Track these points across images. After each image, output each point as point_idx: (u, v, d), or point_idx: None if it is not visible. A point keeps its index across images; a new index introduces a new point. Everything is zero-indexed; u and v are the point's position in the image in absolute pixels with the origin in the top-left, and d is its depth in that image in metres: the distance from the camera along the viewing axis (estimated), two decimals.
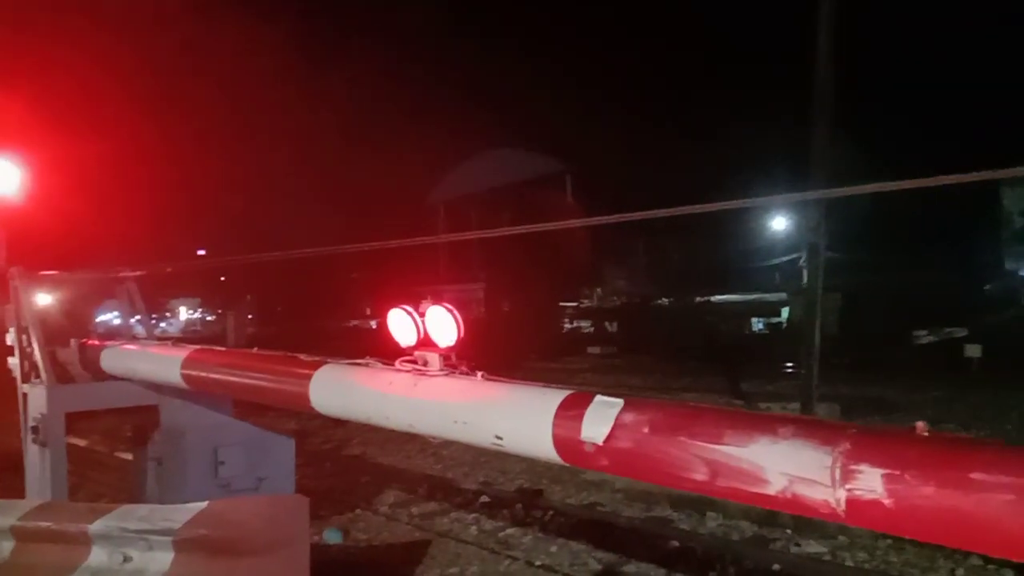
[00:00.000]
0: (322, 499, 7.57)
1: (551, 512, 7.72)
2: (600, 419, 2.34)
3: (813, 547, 6.64)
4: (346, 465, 10.40)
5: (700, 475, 2.14)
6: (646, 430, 2.25)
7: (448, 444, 10.75)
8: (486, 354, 3.39)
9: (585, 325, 37.33)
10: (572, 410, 2.47)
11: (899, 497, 1.84)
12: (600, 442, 2.32)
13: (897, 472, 1.84)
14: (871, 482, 1.87)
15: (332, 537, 6.91)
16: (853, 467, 1.90)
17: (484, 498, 8.31)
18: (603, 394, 2.43)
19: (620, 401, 2.36)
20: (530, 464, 9.52)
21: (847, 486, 1.90)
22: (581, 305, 39.60)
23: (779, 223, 33.42)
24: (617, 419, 2.31)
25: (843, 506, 1.92)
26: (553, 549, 6.67)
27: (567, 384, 2.79)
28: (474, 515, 7.75)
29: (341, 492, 8.66)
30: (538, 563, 6.34)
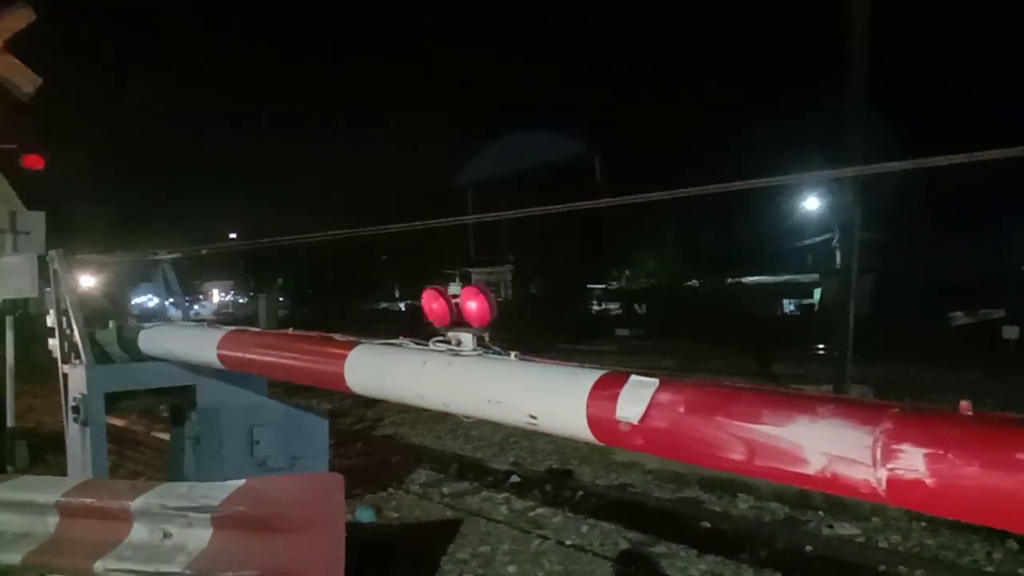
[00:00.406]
0: (355, 478, 7.66)
1: (581, 492, 7.75)
2: (635, 399, 2.33)
3: (846, 529, 6.59)
4: (378, 445, 10.52)
5: (737, 455, 2.12)
6: (682, 410, 2.24)
7: (478, 425, 10.83)
8: (514, 336, 3.40)
9: (614, 307, 37.18)
10: (607, 390, 2.46)
11: (942, 477, 1.81)
12: (636, 421, 2.31)
13: (940, 452, 1.81)
14: (913, 461, 1.84)
15: (365, 516, 7.00)
16: (895, 446, 1.87)
17: (514, 478, 8.36)
18: (638, 374, 2.42)
19: (655, 381, 2.35)
20: (559, 445, 9.56)
21: (888, 465, 1.87)
22: (610, 287, 39.46)
23: (811, 203, 32.98)
24: (653, 399, 2.31)
25: (884, 486, 1.89)
26: (583, 529, 6.70)
27: (597, 366, 2.79)
28: (504, 495, 7.80)
29: (373, 471, 8.76)
30: (568, 543, 6.37)
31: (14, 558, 3.84)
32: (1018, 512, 1.75)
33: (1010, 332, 18.99)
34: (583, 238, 31.62)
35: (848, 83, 10.89)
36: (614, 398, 2.41)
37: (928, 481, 1.82)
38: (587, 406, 2.49)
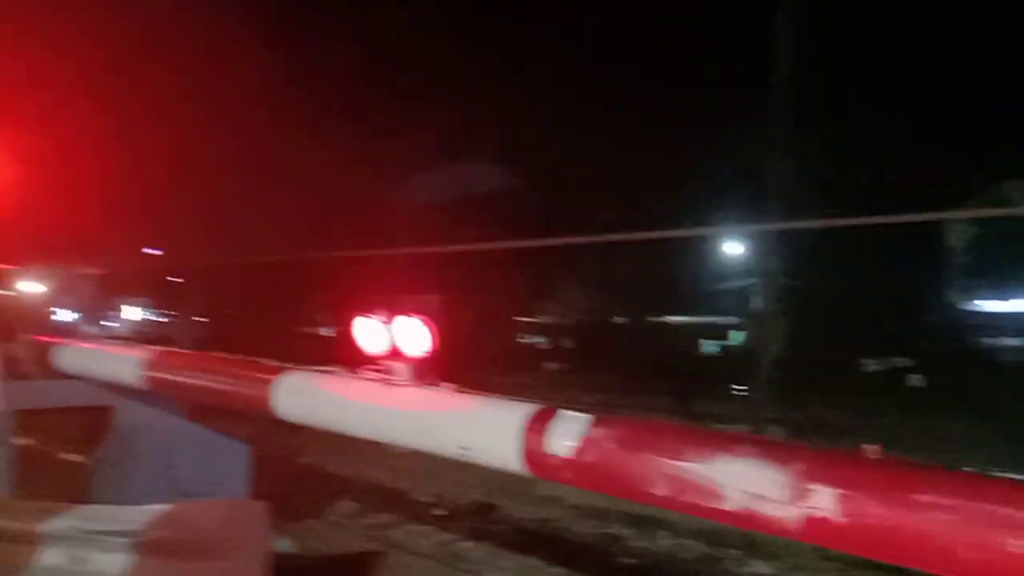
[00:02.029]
0: (274, 507, 7.47)
1: (504, 526, 7.77)
2: (568, 433, 2.41)
3: (761, 568, 6.78)
4: (299, 473, 10.29)
5: (663, 491, 2.22)
6: (613, 445, 2.33)
7: (402, 456, 10.71)
8: (440, 366, 3.44)
9: (541, 340, 37.47)
10: (541, 423, 2.53)
11: (850, 516, 1.94)
12: (568, 456, 2.39)
13: (849, 492, 1.95)
14: (824, 501, 1.97)
15: (284, 546, 6.84)
16: (807, 486, 2.00)
17: (438, 510, 8.32)
18: (570, 409, 2.50)
19: (589, 416, 2.44)
20: (484, 478, 9.54)
21: (801, 504, 2.00)
22: (537, 320, 39.76)
23: (733, 248, 34.05)
24: (585, 434, 2.39)
25: (796, 523, 2.01)
26: (506, 564, 6.71)
27: (522, 400, 2.86)
28: (427, 527, 7.74)
29: (294, 500, 8.56)
30: None
31: None
32: (918, 550, 1.89)
33: (916, 380, 19.96)
34: (512, 270, 31.86)
35: (771, 128, 11.42)
36: (548, 432, 2.48)
37: (837, 520, 1.95)
38: (522, 439, 2.55)
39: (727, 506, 2.10)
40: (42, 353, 5.82)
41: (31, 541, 3.53)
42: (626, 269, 32.33)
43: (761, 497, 2.06)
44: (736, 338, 32.39)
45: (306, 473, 10.35)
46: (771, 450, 2.13)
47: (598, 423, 2.42)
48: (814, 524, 1.98)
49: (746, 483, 2.08)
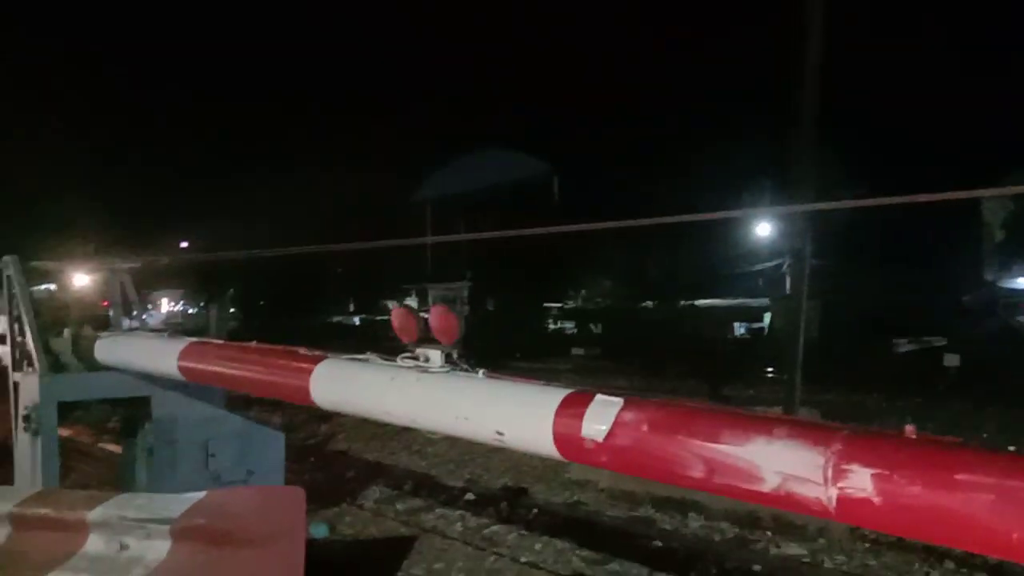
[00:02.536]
0: (309, 493, 7.53)
1: (535, 510, 7.81)
2: (600, 417, 2.43)
3: (793, 549, 6.76)
4: (332, 460, 10.43)
5: (697, 473, 2.23)
6: (645, 428, 2.34)
7: (433, 441, 10.82)
8: (470, 352, 3.47)
9: (569, 326, 37.45)
10: (573, 408, 2.55)
11: (887, 496, 1.93)
12: (600, 439, 2.40)
13: (886, 472, 1.94)
14: (861, 481, 1.96)
15: (319, 531, 6.95)
16: (844, 467, 2.00)
17: (469, 495, 8.39)
18: (603, 393, 2.52)
19: (620, 400, 2.45)
20: (514, 462, 9.61)
21: (838, 485, 1.99)
22: (565, 306, 39.74)
23: (763, 229, 33.70)
24: (617, 417, 2.40)
25: (834, 504, 2.01)
26: (537, 547, 6.76)
27: (552, 384, 2.88)
28: (459, 512, 7.81)
29: (327, 487, 8.69)
30: (523, 560, 6.42)
31: None
32: (957, 529, 1.88)
33: (951, 360, 19.66)
34: (540, 256, 31.82)
35: (799, 111, 11.26)
36: (580, 416, 2.49)
37: (875, 500, 1.95)
38: (554, 424, 2.57)
39: (763, 488, 2.10)
40: (83, 346, 5.95)
41: (77, 529, 3.64)
42: (655, 253, 32.16)
43: (797, 478, 2.06)
44: (769, 321, 32.13)
45: (339, 460, 10.49)
46: (807, 431, 2.13)
47: (630, 406, 2.43)
48: (851, 505, 1.98)
49: (782, 464, 2.08)
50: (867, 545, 6.59)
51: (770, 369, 19.83)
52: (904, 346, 25.04)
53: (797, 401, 11.05)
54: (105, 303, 6.69)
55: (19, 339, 5.96)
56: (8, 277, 6.07)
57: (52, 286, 6.50)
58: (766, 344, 27.29)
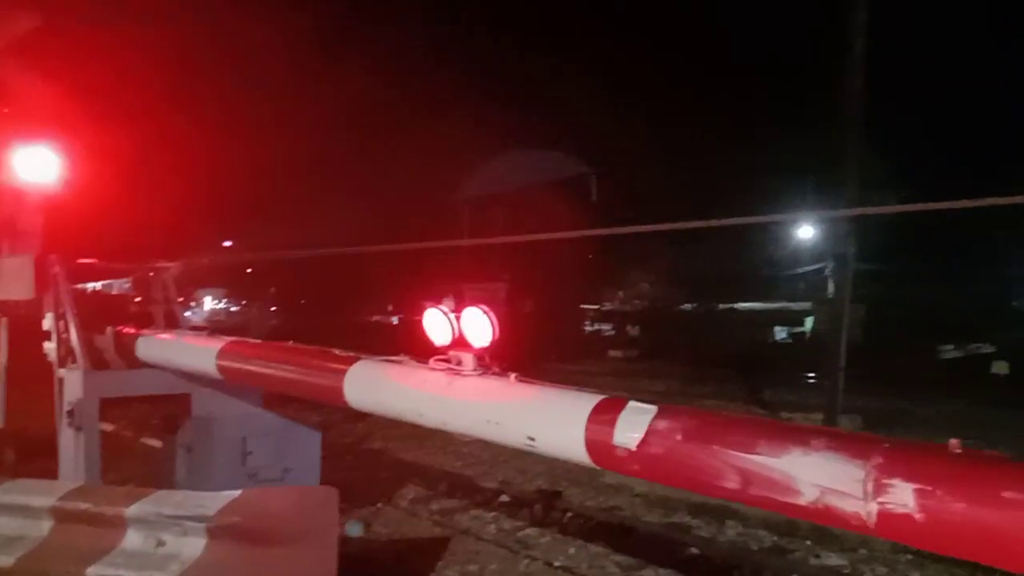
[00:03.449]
0: (343, 492, 7.54)
1: (570, 514, 7.75)
2: (633, 424, 2.39)
3: (833, 560, 6.62)
4: (367, 459, 10.50)
5: (732, 483, 2.17)
6: (679, 437, 2.30)
7: (468, 442, 10.82)
8: (506, 354, 3.45)
9: (606, 328, 37.23)
10: (605, 414, 2.51)
11: (930, 512, 1.87)
12: (633, 447, 2.36)
13: (929, 488, 1.87)
14: (903, 496, 1.90)
15: (354, 530, 6.99)
16: (885, 481, 1.93)
17: (503, 497, 8.36)
18: (636, 400, 2.48)
19: (654, 408, 2.40)
20: (549, 465, 9.56)
21: (879, 499, 1.93)
22: (603, 308, 39.54)
23: (805, 232, 33.20)
24: (650, 425, 2.36)
25: (874, 519, 1.95)
26: (572, 551, 6.71)
27: (587, 387, 2.84)
28: (493, 514, 7.80)
29: (362, 486, 8.74)
30: (557, 564, 6.38)
31: (7, 561, 3.85)
32: (1003, 549, 1.81)
33: (999, 367, 19.13)
34: (577, 258, 31.70)
35: (844, 109, 11.04)
36: (612, 423, 2.46)
37: (917, 516, 1.88)
38: (586, 430, 2.54)
39: (800, 500, 2.05)
40: (125, 344, 6.07)
41: (116, 524, 3.70)
42: (696, 256, 31.83)
43: (837, 492, 2.00)
44: (810, 325, 31.61)
45: (374, 459, 10.54)
46: (847, 443, 2.06)
47: (664, 414, 2.39)
48: (892, 520, 1.92)
49: (821, 477, 2.02)
50: (910, 557, 6.43)
51: (811, 374, 19.50)
52: (950, 352, 24.44)
53: (838, 407, 10.85)
54: (138, 300, 6.82)
55: (64, 335, 6.10)
56: (53, 275, 6.21)
57: (97, 284, 6.65)
58: (807, 349, 26.85)
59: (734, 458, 2.17)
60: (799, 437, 2.12)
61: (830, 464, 2.02)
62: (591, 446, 2.54)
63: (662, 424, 2.35)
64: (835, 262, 13.31)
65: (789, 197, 28.99)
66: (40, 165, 9.33)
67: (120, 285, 7.51)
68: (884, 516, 1.93)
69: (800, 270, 34.53)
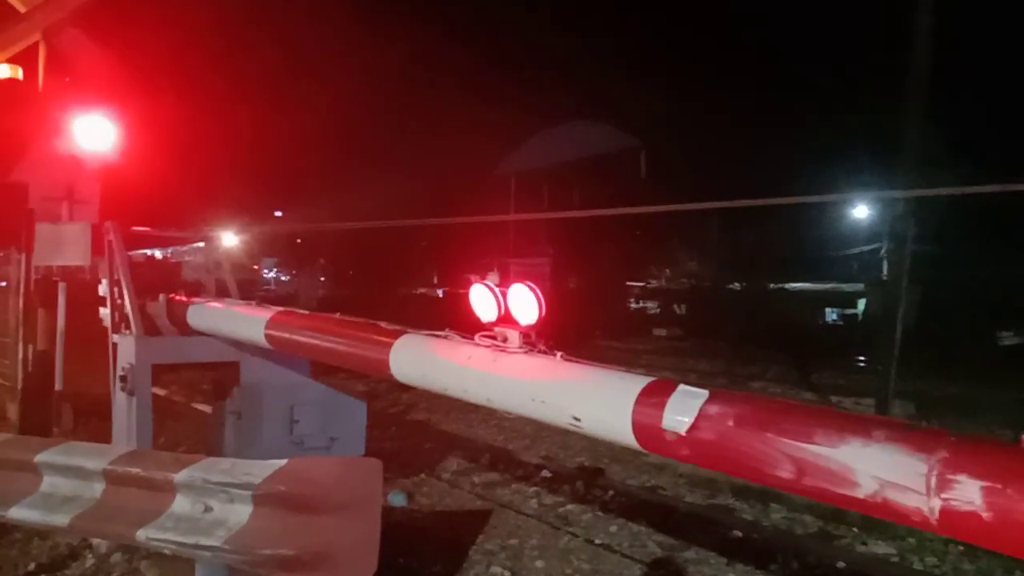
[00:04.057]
0: (387, 462, 7.62)
1: (611, 491, 7.73)
2: (683, 408, 2.32)
3: (881, 547, 6.49)
4: (411, 429, 10.61)
5: (786, 472, 2.10)
6: (731, 423, 2.22)
7: (511, 416, 10.84)
8: (551, 331, 3.39)
9: (652, 306, 36.90)
10: (654, 397, 2.45)
11: (999, 511, 1.77)
12: (683, 432, 2.30)
13: (998, 485, 1.78)
14: (969, 493, 1.81)
15: (397, 500, 7.07)
16: (950, 476, 1.84)
17: (545, 472, 8.37)
18: (686, 384, 2.41)
19: (705, 392, 2.33)
20: (592, 442, 9.53)
21: (943, 495, 1.84)
22: (648, 285, 39.15)
23: (860, 211, 32.35)
24: (701, 410, 2.29)
25: (937, 516, 1.86)
26: (613, 529, 6.69)
27: (632, 365, 2.79)
28: (535, 488, 7.81)
29: (406, 456, 8.84)
30: (598, 541, 6.37)
31: (62, 520, 3.96)
32: None
33: None
34: (623, 234, 31.35)
35: (907, 82, 10.64)
36: (661, 406, 2.40)
37: (984, 514, 1.79)
38: (633, 412, 2.48)
39: (858, 493, 1.97)
40: (177, 311, 6.17)
41: (165, 489, 3.76)
42: (745, 233, 31.25)
43: (896, 485, 1.91)
44: (863, 306, 30.91)
45: (418, 429, 10.65)
46: (910, 435, 1.97)
47: (715, 398, 2.31)
48: (956, 518, 1.83)
49: (879, 469, 1.94)
50: (961, 548, 6.26)
51: (862, 357, 19.08)
52: (1010, 338, 23.67)
53: (891, 392, 10.58)
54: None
55: (118, 302, 6.23)
56: (109, 242, 6.33)
57: (167, 251, 6.78)
58: (859, 331, 26.27)
59: (789, 446, 2.09)
60: (859, 427, 2.03)
61: (891, 456, 1.94)
62: (638, 429, 2.48)
63: (713, 409, 2.28)
64: (892, 242, 12.92)
65: (844, 174, 28.21)
66: (97, 134, 9.54)
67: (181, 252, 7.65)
68: (948, 513, 1.84)
69: (853, 250, 33.73)
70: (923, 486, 1.87)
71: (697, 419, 2.29)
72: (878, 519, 5.88)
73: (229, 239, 6.92)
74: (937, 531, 1.90)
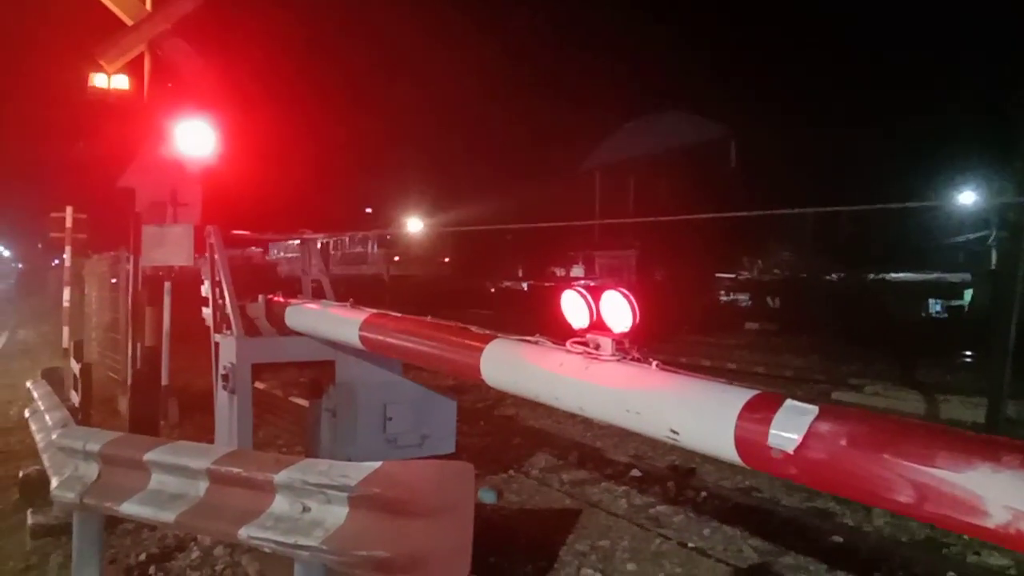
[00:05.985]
0: (477, 458, 7.77)
1: (704, 493, 7.55)
2: (791, 425, 2.21)
3: (995, 559, 6.10)
4: (499, 425, 10.64)
5: (904, 497, 1.97)
6: (843, 442, 2.10)
7: None
8: (646, 336, 3.29)
9: (743, 298, 35.84)
10: (759, 412, 2.35)
11: None
12: (790, 450, 2.19)
13: None
14: None
15: (487, 497, 7.09)
16: None
17: (635, 471, 8.25)
18: (795, 399, 2.29)
19: (815, 408, 2.21)
20: None
21: None
22: (739, 277, 38.13)
23: (966, 197, 30.65)
24: (811, 427, 2.17)
25: None
26: (706, 532, 6.52)
27: (723, 360, 2.67)
28: (624, 488, 7.70)
29: (495, 452, 8.87)
30: (691, 545, 6.22)
31: (169, 516, 4.12)
32: None
33: None
34: (712, 224, 30.64)
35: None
36: (766, 422, 2.29)
37: None
38: (735, 427, 2.38)
39: (987, 523, 1.82)
40: (275, 312, 6.36)
41: (265, 489, 3.87)
42: (843, 222, 30.04)
43: None
44: (969, 298, 29.27)
45: (506, 424, 10.68)
46: None
47: (825, 415, 2.19)
48: None
49: (1013, 498, 1.79)
50: None
51: (969, 353, 18.06)
52: None
53: (1005, 392, 9.94)
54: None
55: (219, 302, 6.45)
56: (211, 244, 6.57)
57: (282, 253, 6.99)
58: (965, 324, 24.88)
59: (908, 470, 1.96)
60: (987, 451, 1.89)
61: None
62: (741, 445, 2.38)
63: (824, 427, 2.16)
64: (1003, 229, 12.15)
65: (948, 166, 26.77)
66: (199, 139, 9.93)
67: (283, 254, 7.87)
68: None
69: (958, 238, 31.98)
70: None
71: (806, 437, 2.18)
72: None
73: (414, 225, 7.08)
74: None
